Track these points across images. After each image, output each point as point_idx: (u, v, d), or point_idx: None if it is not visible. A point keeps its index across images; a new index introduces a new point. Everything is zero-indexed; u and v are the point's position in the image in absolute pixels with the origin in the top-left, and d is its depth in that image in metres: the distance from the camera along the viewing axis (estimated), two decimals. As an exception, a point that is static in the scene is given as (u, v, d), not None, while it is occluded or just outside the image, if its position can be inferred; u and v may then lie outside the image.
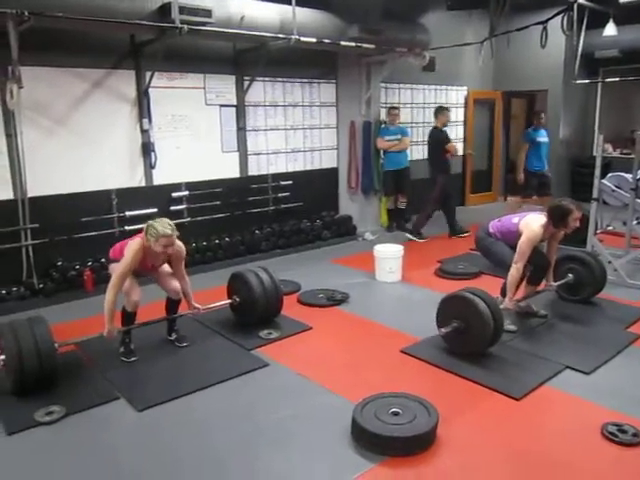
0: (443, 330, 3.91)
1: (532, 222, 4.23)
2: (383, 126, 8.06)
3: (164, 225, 3.72)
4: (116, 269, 3.79)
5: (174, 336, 4.26)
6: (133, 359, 3.94)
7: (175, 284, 4.11)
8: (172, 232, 3.74)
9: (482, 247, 4.64)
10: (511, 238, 4.32)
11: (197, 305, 4.22)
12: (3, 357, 3.41)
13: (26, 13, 4.39)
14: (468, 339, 3.84)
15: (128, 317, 4.00)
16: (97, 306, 4.95)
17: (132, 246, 3.77)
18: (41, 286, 5.27)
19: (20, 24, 4.47)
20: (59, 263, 5.50)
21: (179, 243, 3.92)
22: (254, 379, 3.72)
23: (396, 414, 3.00)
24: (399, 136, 7.91)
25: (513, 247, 4.26)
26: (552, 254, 4.59)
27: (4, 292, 5.09)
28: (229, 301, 4.57)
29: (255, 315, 4.43)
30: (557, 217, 4.15)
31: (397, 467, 2.77)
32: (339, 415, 3.15)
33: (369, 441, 2.86)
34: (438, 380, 3.65)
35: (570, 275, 4.87)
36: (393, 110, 8.04)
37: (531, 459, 2.83)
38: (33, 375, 3.38)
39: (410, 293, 5.47)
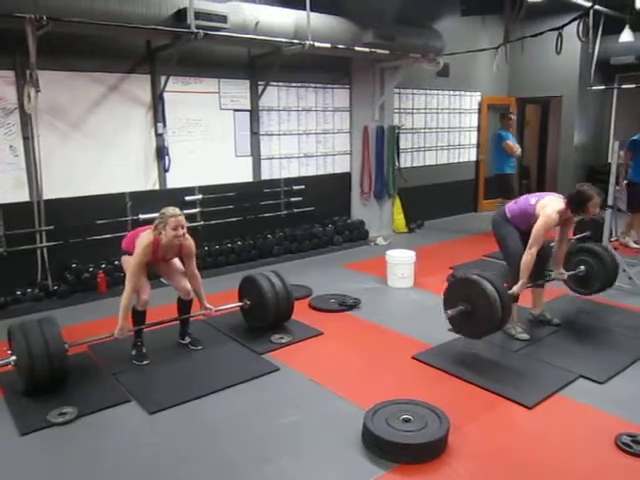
0: (449, 312, 3.86)
1: (549, 206, 4.12)
2: (505, 132, 7.93)
3: (172, 208, 3.81)
4: (129, 266, 3.81)
5: (187, 339, 4.27)
6: (145, 362, 3.96)
7: (186, 283, 4.12)
8: (180, 213, 3.80)
9: (497, 234, 4.49)
10: (527, 219, 4.21)
11: (209, 305, 4.21)
12: (14, 358, 3.44)
13: (45, 18, 4.46)
14: (474, 322, 3.80)
15: (138, 316, 4.02)
16: (110, 308, 5.01)
17: (142, 241, 3.78)
18: (55, 288, 5.33)
19: (38, 29, 4.53)
20: (73, 265, 5.55)
21: (189, 238, 3.95)
22: (265, 383, 3.72)
23: (407, 421, 2.99)
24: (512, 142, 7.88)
25: (528, 229, 4.15)
26: (564, 240, 4.48)
27: (19, 293, 5.15)
28: (240, 304, 4.57)
29: (266, 319, 4.43)
30: (577, 203, 4.10)
31: (408, 474, 2.75)
32: (350, 421, 3.14)
33: (380, 448, 2.85)
34: (450, 387, 3.63)
35: (582, 267, 4.75)
36: (509, 115, 7.97)
37: (543, 469, 2.80)
38: (44, 375, 3.41)
39: (422, 299, 5.45)
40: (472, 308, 3.80)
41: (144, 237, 3.81)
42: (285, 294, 4.47)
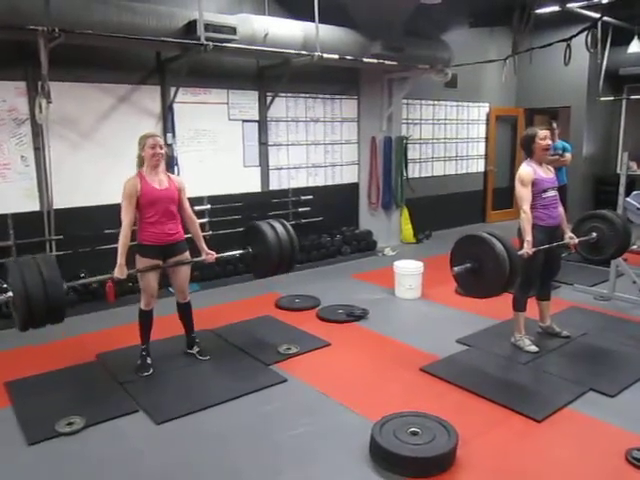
0: (456, 269, 3.75)
1: (519, 169, 4.23)
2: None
3: (148, 131, 4.02)
4: (122, 207, 3.85)
5: (195, 349, 4.27)
6: (146, 374, 3.95)
7: (182, 283, 4.10)
8: (157, 134, 3.97)
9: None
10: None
11: (209, 251, 4.16)
12: (10, 294, 3.24)
13: (57, 30, 4.51)
14: (482, 280, 3.70)
15: (144, 316, 4.03)
16: (119, 317, 5.06)
17: (126, 181, 3.87)
18: (64, 297, 5.34)
19: (50, 41, 4.59)
20: (82, 274, 5.57)
21: (178, 177, 4.17)
22: (272, 394, 3.71)
23: (415, 434, 2.97)
24: (560, 152, 7.44)
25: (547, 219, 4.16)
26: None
27: (28, 302, 5.17)
28: (242, 251, 4.44)
29: (269, 266, 4.32)
30: (526, 146, 4.20)
31: (415, 488, 2.73)
32: (358, 433, 3.13)
33: (387, 460, 2.83)
34: (458, 400, 3.60)
35: (594, 234, 4.54)
36: (552, 125, 7.82)
37: (553, 483, 2.77)
38: (40, 306, 3.23)
39: (430, 310, 5.43)
40: (479, 266, 3.68)
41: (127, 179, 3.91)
42: (288, 239, 4.31)
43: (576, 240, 4.37)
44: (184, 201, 4.06)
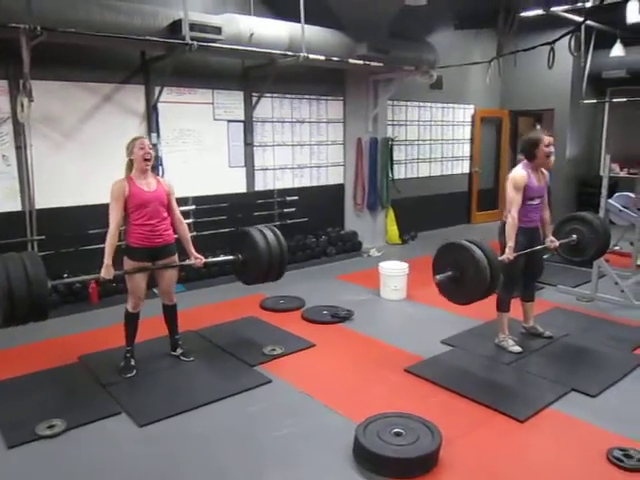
0: (438, 277, 3.79)
1: (513, 171, 4.22)
2: None
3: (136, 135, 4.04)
4: (110, 209, 3.83)
5: (179, 351, 4.24)
6: (130, 375, 3.92)
7: (168, 285, 4.09)
8: (145, 137, 4.03)
9: (500, 242, 4.38)
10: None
11: (198, 255, 4.15)
12: None
13: (39, 28, 4.46)
14: (463, 287, 3.73)
15: (130, 318, 4.00)
16: (102, 318, 5.01)
17: (113, 183, 3.86)
18: (46, 298, 5.28)
19: (32, 39, 4.54)
20: (65, 275, 5.51)
21: (167, 180, 4.17)
22: (257, 396, 3.69)
23: (399, 434, 2.98)
24: None
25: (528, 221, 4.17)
26: (545, 207, 4.38)
27: (9, 303, 5.10)
28: (231, 257, 4.41)
29: (258, 273, 4.29)
30: (529, 150, 4.16)
31: (399, 489, 2.74)
32: (341, 434, 3.13)
33: (371, 461, 2.83)
34: (441, 400, 3.62)
35: (574, 236, 4.62)
36: (536, 128, 7.75)
37: (535, 483, 2.79)
38: (23, 306, 3.19)
39: (415, 311, 5.45)
40: (461, 273, 3.71)
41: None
42: (278, 246, 4.30)
43: (557, 243, 4.44)
44: (173, 203, 4.05)
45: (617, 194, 6.62)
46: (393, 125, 8.66)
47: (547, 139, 4.14)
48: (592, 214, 4.74)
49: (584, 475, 2.85)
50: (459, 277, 3.73)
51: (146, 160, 3.85)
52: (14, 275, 3.19)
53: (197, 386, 3.83)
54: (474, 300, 3.77)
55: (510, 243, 4.02)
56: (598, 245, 4.59)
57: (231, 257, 4.41)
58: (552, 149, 4.18)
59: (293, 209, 7.42)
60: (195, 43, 5.25)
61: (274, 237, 4.31)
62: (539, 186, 4.23)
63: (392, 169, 8.30)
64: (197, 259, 4.14)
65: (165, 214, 3.96)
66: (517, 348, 4.30)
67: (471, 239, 3.79)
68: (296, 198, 7.45)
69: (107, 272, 3.73)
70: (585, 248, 4.62)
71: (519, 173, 4.15)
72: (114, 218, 3.79)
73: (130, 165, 3.90)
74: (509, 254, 3.98)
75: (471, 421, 3.36)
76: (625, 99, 9.40)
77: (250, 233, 4.28)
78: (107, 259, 3.73)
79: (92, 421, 3.33)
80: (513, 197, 4.10)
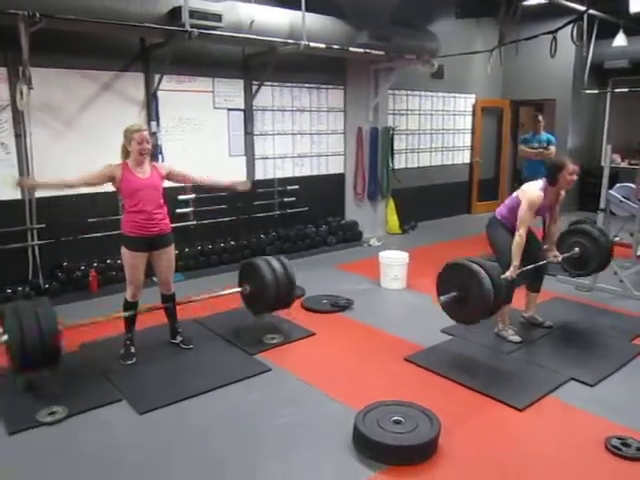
0: (442, 298, 3.83)
1: (529, 188, 4.18)
2: (529, 134, 7.62)
3: (134, 124, 3.93)
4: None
5: (179, 339, 4.25)
6: (129, 362, 3.94)
7: (166, 275, 4.09)
8: (145, 128, 3.94)
9: (490, 237, 4.48)
10: (516, 214, 4.19)
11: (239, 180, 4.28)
12: (5, 337, 3.24)
13: (37, 15, 4.42)
14: (467, 308, 3.76)
15: (128, 307, 4.00)
16: (102, 307, 5.00)
17: (108, 164, 3.89)
18: (46, 286, 5.29)
19: (31, 25, 4.49)
20: (65, 263, 5.52)
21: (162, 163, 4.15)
22: (256, 384, 3.71)
23: (398, 422, 2.99)
24: (545, 144, 7.45)
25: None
26: (553, 221, 4.50)
27: (10, 291, 5.11)
28: (239, 289, 4.47)
29: (266, 303, 4.33)
30: (552, 173, 4.12)
31: (398, 476, 2.75)
32: (341, 422, 3.14)
33: (370, 449, 2.85)
34: (441, 389, 3.63)
35: (576, 249, 4.69)
36: (538, 118, 7.66)
37: (533, 471, 2.81)
38: (35, 355, 3.24)
39: (415, 301, 5.46)
40: (465, 294, 3.75)
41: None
42: (285, 277, 4.34)
43: (560, 258, 4.50)
44: (180, 173, 4.13)
45: (618, 185, 6.59)
46: (394, 114, 8.62)
47: (572, 167, 4.10)
48: (593, 226, 4.85)
49: (582, 464, 2.87)
50: (463, 297, 3.78)
51: (142, 155, 3.83)
52: (27, 326, 3.25)
53: (197, 374, 3.84)
54: (476, 320, 3.83)
55: (515, 262, 4.06)
56: (600, 258, 4.68)
57: (238, 289, 4.47)
58: (575, 177, 4.16)
59: (293, 198, 7.40)
60: (195, 30, 5.21)
61: (281, 268, 4.36)
62: (549, 204, 4.28)
63: (392, 159, 8.28)
64: (241, 184, 4.47)
65: (162, 201, 3.95)
66: (517, 338, 4.31)
67: (475, 259, 3.85)
68: (296, 187, 7.43)
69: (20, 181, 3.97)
70: (587, 261, 4.71)
71: (536, 194, 4.12)
72: (84, 175, 3.83)
73: (125, 150, 3.87)
74: (513, 272, 4.04)
75: (470, 409, 3.37)
76: (627, 89, 9.35)
77: (257, 265, 4.33)
78: (39, 182, 4.00)
79: (93, 408, 3.35)
80: (526, 218, 4.09)
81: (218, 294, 4.37)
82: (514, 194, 4.34)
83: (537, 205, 4.11)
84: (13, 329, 3.23)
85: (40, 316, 3.30)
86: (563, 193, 4.32)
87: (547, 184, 4.15)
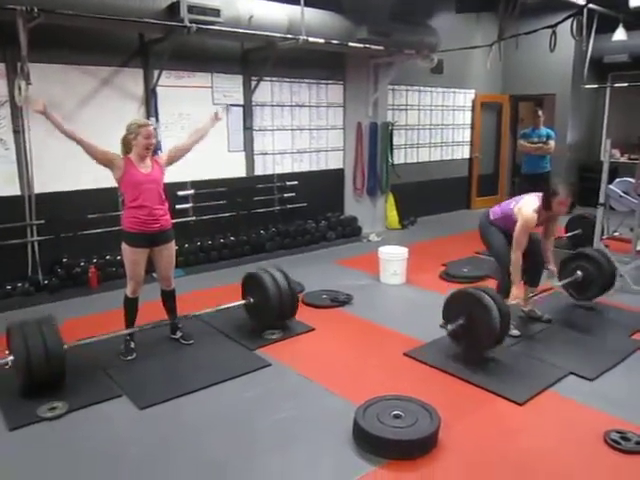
0: (449, 327, 3.87)
1: (525, 207, 4.20)
2: (528, 129, 7.71)
3: (138, 119, 3.94)
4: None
5: (179, 334, 4.26)
6: (130, 358, 3.94)
7: (166, 270, 4.09)
8: (150, 123, 3.94)
9: (483, 236, 4.58)
10: (511, 223, 4.27)
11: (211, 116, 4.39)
12: (11, 358, 3.36)
13: (36, 10, 4.41)
14: (474, 337, 3.80)
15: (129, 303, 4.00)
16: (102, 303, 5.02)
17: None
18: (46, 282, 5.29)
19: (30, 21, 4.48)
20: (64, 260, 5.52)
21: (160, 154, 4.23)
22: (256, 379, 3.71)
23: (398, 417, 2.99)
24: (544, 139, 7.53)
25: (512, 231, 4.23)
26: (548, 236, 4.52)
27: (9, 287, 5.12)
28: (243, 302, 4.51)
29: (269, 317, 4.37)
30: (545, 198, 4.18)
31: (398, 470, 2.76)
32: (341, 417, 3.14)
33: (370, 443, 2.85)
34: (441, 384, 3.64)
35: (579, 272, 4.77)
36: (537, 112, 7.71)
37: (532, 465, 2.81)
38: (41, 376, 3.35)
39: (414, 296, 5.46)
40: (472, 324, 3.80)
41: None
42: (288, 291, 4.39)
43: (555, 272, 4.66)
44: (176, 148, 4.22)
45: (617, 180, 6.58)
46: (393, 110, 8.61)
47: (563, 198, 4.12)
48: (595, 250, 4.96)
49: (582, 457, 2.88)
50: (470, 326, 3.81)
51: (147, 149, 3.82)
52: (32, 345, 3.32)
53: (197, 369, 3.85)
54: (485, 349, 3.86)
55: (516, 281, 4.21)
56: (603, 282, 4.77)
57: (242, 302, 4.49)
58: (564, 209, 4.23)
59: (293, 194, 7.40)
60: (194, 25, 5.21)
61: (284, 279, 4.38)
62: (544, 221, 4.36)
63: (392, 154, 8.27)
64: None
65: (163, 197, 3.95)
66: (516, 332, 4.32)
67: (482, 288, 3.92)
68: (296, 183, 7.43)
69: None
70: (590, 284, 4.80)
71: (532, 216, 4.16)
72: (92, 142, 3.81)
73: (126, 144, 3.85)
74: (517, 296, 4.21)
75: (470, 404, 3.38)
76: (627, 84, 9.33)
77: (260, 277, 4.35)
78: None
79: (93, 403, 3.35)
80: (521, 240, 4.15)
81: (222, 307, 4.43)
82: (511, 204, 4.37)
83: (531, 227, 4.20)
84: (19, 350, 3.31)
85: (47, 341, 3.37)
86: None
87: (541, 207, 4.20)
